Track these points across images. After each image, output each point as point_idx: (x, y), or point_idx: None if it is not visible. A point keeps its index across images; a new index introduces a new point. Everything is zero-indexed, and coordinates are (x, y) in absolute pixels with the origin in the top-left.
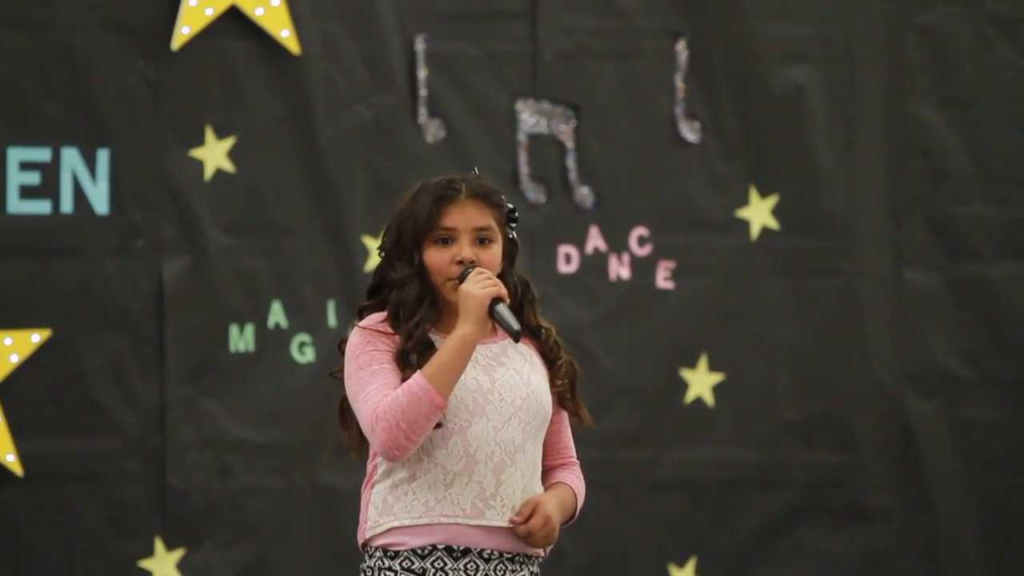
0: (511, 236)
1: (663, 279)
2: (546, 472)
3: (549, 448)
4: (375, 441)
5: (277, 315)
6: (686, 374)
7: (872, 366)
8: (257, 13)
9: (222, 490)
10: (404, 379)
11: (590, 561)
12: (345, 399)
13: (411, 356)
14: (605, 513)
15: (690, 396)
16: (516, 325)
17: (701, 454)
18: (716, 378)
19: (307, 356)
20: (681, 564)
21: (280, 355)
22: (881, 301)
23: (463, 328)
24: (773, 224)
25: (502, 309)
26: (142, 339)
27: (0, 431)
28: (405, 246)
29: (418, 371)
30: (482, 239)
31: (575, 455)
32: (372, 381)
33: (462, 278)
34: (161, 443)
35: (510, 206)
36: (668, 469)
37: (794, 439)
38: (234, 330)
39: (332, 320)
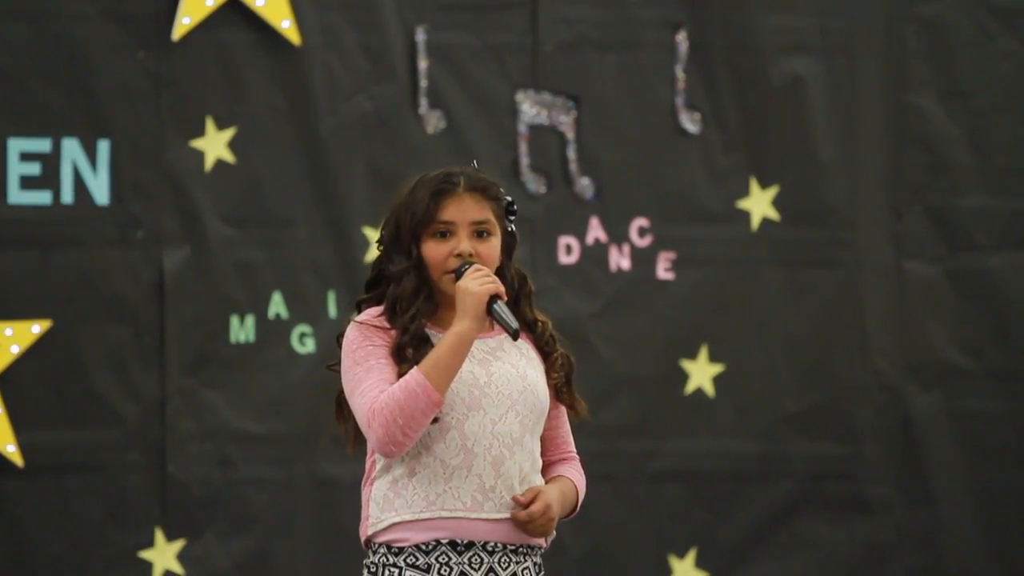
0: (510, 229)
1: (663, 270)
2: (546, 467)
3: (548, 443)
4: (372, 437)
5: (277, 306)
6: (686, 365)
7: (872, 357)
8: (258, 4)
9: (222, 481)
10: (400, 374)
11: (590, 552)
12: (342, 392)
13: (407, 351)
14: (605, 504)
15: (690, 387)
16: (514, 323)
17: (701, 445)
18: (716, 369)
19: (307, 347)
20: (681, 555)
21: (280, 346)
22: (881, 292)
23: (460, 325)
24: (773, 215)
25: (500, 307)
26: (142, 330)
27: (0, 422)
28: (403, 239)
29: (415, 367)
30: (480, 232)
31: (574, 450)
32: (368, 377)
33: (458, 273)
34: (161, 434)
35: (508, 198)
36: (668, 460)
37: (794, 430)
38: (234, 321)
39: (332, 311)
